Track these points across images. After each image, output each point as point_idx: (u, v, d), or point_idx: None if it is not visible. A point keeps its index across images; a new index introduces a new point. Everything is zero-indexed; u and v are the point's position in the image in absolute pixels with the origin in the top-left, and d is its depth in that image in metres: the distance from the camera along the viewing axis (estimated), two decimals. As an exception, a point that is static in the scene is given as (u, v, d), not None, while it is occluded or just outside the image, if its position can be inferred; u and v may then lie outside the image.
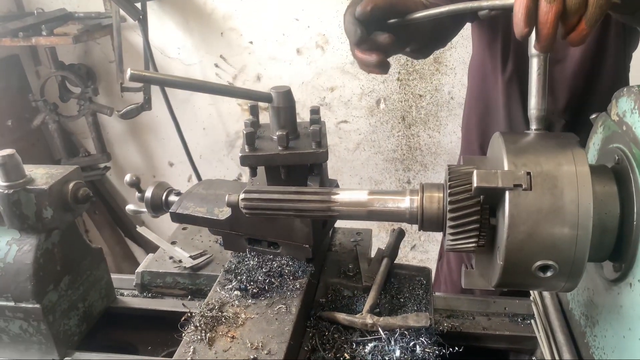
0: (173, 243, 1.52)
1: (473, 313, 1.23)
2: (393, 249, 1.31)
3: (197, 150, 3.21)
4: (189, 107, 3.14)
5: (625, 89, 0.85)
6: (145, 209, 1.34)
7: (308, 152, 1.08)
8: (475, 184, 0.78)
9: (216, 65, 2.98)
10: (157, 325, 1.31)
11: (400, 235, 1.36)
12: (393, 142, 3.05)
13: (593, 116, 1.04)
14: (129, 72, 0.93)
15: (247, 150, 1.09)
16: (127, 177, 1.37)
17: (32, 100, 2.97)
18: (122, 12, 2.62)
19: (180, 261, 1.42)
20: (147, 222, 3.44)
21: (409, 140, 3.04)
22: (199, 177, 2.96)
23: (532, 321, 1.17)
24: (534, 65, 0.87)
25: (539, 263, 0.77)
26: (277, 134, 1.08)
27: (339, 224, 1.81)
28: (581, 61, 1.63)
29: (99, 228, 3.56)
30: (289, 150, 1.08)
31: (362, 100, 2.95)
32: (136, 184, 1.39)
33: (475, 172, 0.78)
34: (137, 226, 1.67)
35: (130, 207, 1.46)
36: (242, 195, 1.01)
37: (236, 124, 3.16)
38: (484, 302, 1.25)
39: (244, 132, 1.07)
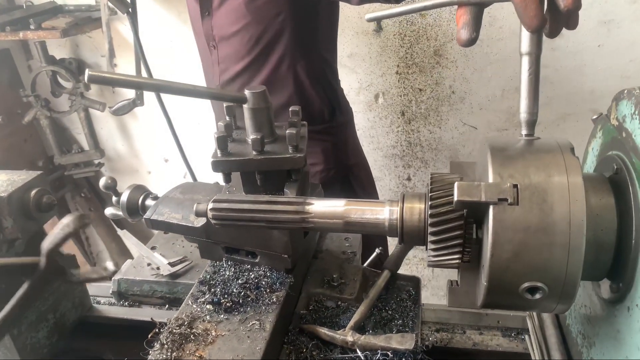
0: (153, 248, 1.46)
1: (464, 326, 1.16)
2: (396, 261, 1.22)
3: (192, 146, 3.14)
4: (183, 101, 3.06)
5: (625, 91, 0.77)
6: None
7: (284, 157, 1.01)
8: (456, 198, 0.70)
9: (210, 59, 2.90)
10: (133, 335, 1.24)
11: (406, 246, 1.25)
12: (392, 138, 2.97)
13: (594, 117, 0.96)
14: (87, 73, 0.86)
15: (219, 155, 1.02)
16: (102, 181, 1.31)
17: (23, 95, 2.91)
18: (111, 4, 2.54)
19: (158, 268, 1.35)
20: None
21: (409, 135, 2.95)
22: (192, 174, 2.89)
23: (527, 336, 1.10)
24: (525, 65, 0.79)
25: (526, 285, 0.70)
26: (251, 137, 1.01)
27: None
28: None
29: (94, 225, 3.52)
30: (264, 155, 1.01)
31: (360, 95, 2.86)
32: (112, 187, 1.33)
33: (456, 184, 0.71)
34: (118, 229, 1.62)
35: (109, 210, 1.40)
36: (210, 205, 0.94)
37: (232, 118, 3.08)
38: (475, 315, 1.17)
39: (215, 135, 1.00)
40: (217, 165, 1.02)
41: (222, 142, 1.00)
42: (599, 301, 0.84)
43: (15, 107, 3.01)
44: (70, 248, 3.21)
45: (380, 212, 0.86)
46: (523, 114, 0.80)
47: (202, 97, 0.95)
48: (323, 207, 0.89)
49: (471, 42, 0.78)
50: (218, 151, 1.02)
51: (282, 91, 1.78)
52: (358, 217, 0.88)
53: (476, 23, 0.77)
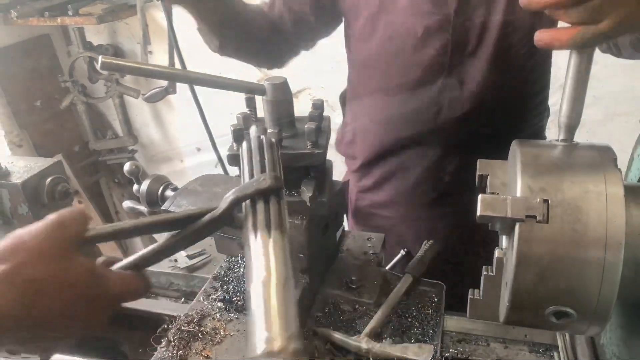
0: (173, 239, 1.45)
1: (488, 338, 1.09)
2: (419, 265, 1.16)
3: (223, 137, 3.13)
4: (215, 91, 3.05)
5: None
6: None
7: (301, 153, 0.96)
8: (479, 212, 0.64)
9: (243, 49, 2.88)
10: (149, 327, 1.24)
11: (433, 249, 1.19)
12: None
13: None
14: (100, 60, 0.84)
15: (235, 148, 0.98)
16: (127, 166, 1.31)
17: (62, 80, 2.97)
18: (146, -9, 2.55)
19: (175, 260, 1.34)
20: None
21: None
22: (222, 165, 2.88)
23: (556, 354, 1.03)
24: (574, 62, 0.71)
25: (552, 309, 0.63)
26: (268, 131, 0.96)
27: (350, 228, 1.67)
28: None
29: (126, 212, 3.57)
30: (281, 150, 0.97)
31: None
32: (135, 174, 1.32)
33: (480, 197, 0.65)
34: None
35: (127, 203, 1.40)
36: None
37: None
38: (501, 327, 1.10)
39: (231, 128, 0.97)
40: (232, 159, 0.99)
41: (238, 135, 0.97)
42: (636, 324, 0.76)
43: (54, 92, 3.07)
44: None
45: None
46: (563, 118, 0.72)
47: (220, 87, 0.92)
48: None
49: None
50: (234, 144, 0.98)
51: None
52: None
53: None
